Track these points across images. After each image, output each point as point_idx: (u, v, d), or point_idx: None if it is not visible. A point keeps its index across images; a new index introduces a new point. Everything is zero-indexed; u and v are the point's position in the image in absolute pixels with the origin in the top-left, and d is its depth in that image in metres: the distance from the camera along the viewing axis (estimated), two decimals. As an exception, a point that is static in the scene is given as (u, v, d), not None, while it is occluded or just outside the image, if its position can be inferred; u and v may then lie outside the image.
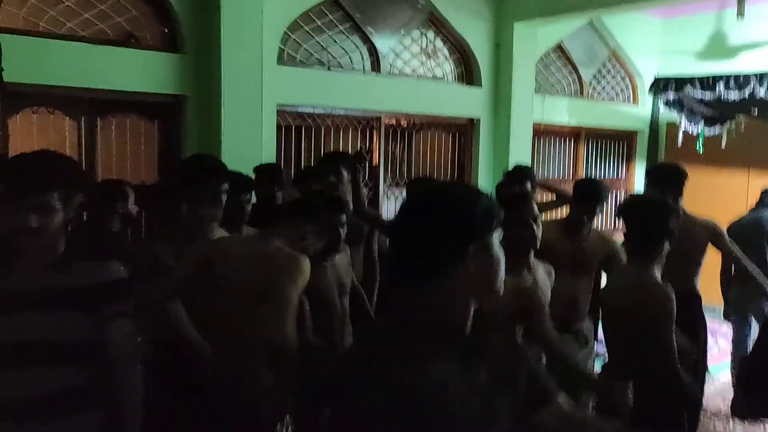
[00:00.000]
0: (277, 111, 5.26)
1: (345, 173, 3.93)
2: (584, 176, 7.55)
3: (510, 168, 4.86)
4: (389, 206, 6.08)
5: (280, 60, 5.28)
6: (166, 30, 4.73)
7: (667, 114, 7.88)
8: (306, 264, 2.52)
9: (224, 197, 2.90)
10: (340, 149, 5.75)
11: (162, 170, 4.82)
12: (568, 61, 7.46)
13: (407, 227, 1.34)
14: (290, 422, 2.97)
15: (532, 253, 2.80)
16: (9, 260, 1.82)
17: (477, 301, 1.35)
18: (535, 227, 2.73)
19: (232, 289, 2.53)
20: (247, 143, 4.81)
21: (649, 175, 4.34)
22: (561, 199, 4.85)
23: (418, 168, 6.45)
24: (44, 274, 1.83)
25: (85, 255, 1.96)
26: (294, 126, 5.54)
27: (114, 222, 3.36)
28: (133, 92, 4.57)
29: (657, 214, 2.65)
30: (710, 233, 3.82)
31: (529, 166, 5.89)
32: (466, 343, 1.35)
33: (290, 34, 5.37)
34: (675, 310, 2.54)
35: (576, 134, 7.66)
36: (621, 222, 2.87)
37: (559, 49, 7.32)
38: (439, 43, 6.40)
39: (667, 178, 3.82)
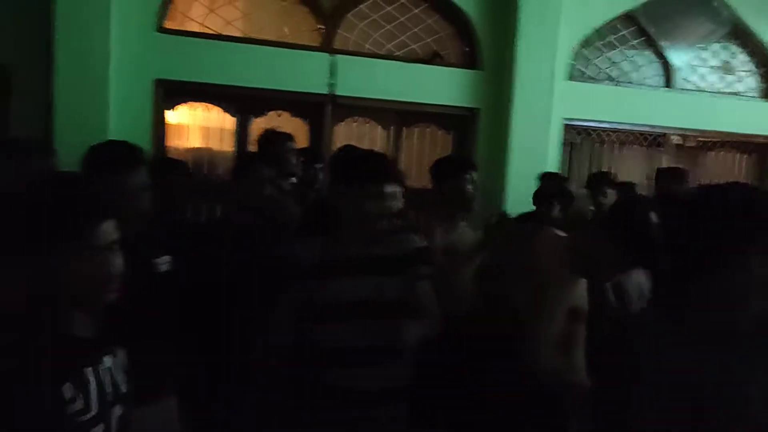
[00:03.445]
0: (564, 125, 5.38)
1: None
2: None
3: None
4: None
5: (570, 76, 5.38)
6: (467, 48, 5.13)
7: None
8: None
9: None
10: (623, 165, 5.69)
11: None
12: None
13: (697, 227, 1.35)
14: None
15: None
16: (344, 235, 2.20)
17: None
18: None
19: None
20: (533, 155, 5.00)
21: None
22: None
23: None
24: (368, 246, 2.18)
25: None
26: (578, 140, 5.59)
27: None
28: (434, 105, 5.05)
29: None
30: None
31: None
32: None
33: (581, 50, 5.44)
34: None
35: None
36: None
37: None
38: (742, 56, 5.92)
39: None
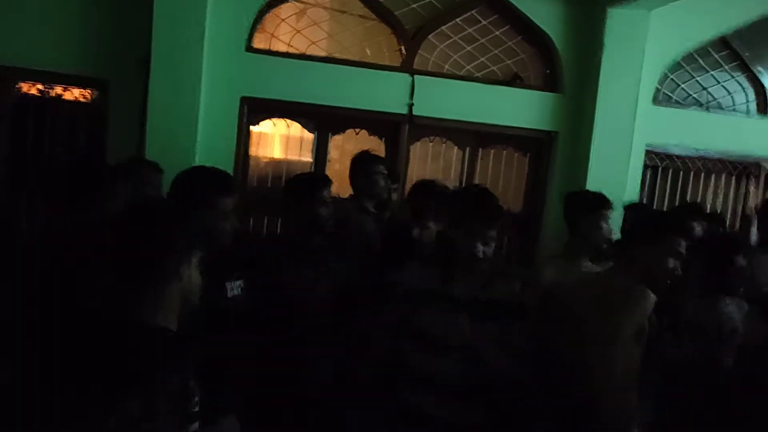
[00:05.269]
0: (646, 151, 5.22)
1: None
2: None
3: None
4: None
5: (655, 100, 5.22)
6: (548, 71, 5.07)
7: None
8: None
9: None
10: (709, 194, 5.46)
11: (528, 200, 5.17)
12: None
13: None
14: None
15: None
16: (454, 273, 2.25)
17: None
18: None
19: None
20: (612, 181, 4.85)
21: None
22: None
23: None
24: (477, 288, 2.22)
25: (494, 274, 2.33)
26: (660, 167, 5.41)
27: None
28: (511, 127, 5.01)
29: None
30: None
31: None
32: None
33: (668, 73, 5.28)
34: None
35: None
36: None
37: None
38: None
39: None
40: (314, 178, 2.98)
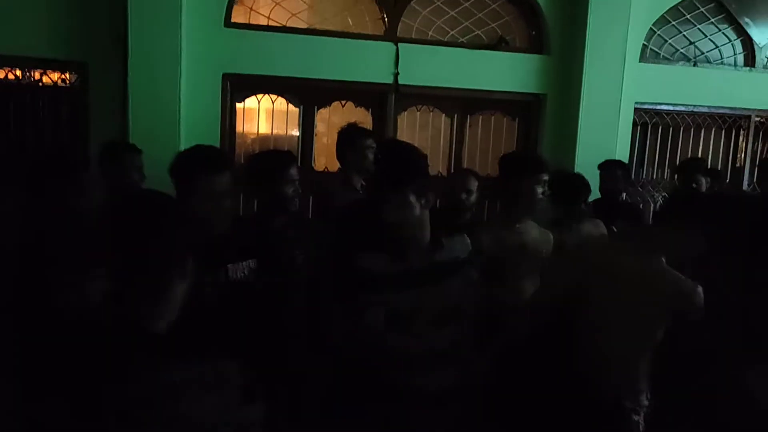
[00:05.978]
0: (635, 109, 5.18)
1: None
2: None
3: None
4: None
5: (642, 57, 5.17)
6: (534, 32, 5.01)
7: None
8: None
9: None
10: (700, 149, 5.45)
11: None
12: None
13: None
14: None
15: None
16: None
17: None
18: None
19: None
20: (602, 140, 4.85)
21: None
22: None
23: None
24: (427, 254, 2.13)
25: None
26: (650, 124, 5.39)
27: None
28: (499, 92, 4.96)
29: None
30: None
31: None
32: None
33: (655, 29, 5.22)
34: None
35: None
36: None
37: None
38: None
39: None
40: (278, 155, 2.81)
